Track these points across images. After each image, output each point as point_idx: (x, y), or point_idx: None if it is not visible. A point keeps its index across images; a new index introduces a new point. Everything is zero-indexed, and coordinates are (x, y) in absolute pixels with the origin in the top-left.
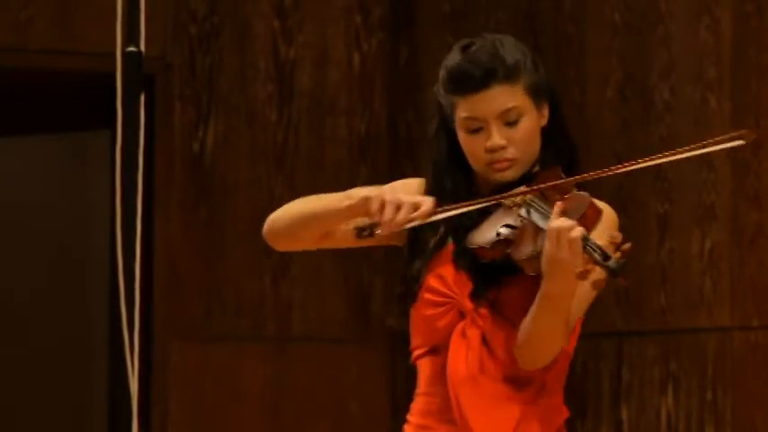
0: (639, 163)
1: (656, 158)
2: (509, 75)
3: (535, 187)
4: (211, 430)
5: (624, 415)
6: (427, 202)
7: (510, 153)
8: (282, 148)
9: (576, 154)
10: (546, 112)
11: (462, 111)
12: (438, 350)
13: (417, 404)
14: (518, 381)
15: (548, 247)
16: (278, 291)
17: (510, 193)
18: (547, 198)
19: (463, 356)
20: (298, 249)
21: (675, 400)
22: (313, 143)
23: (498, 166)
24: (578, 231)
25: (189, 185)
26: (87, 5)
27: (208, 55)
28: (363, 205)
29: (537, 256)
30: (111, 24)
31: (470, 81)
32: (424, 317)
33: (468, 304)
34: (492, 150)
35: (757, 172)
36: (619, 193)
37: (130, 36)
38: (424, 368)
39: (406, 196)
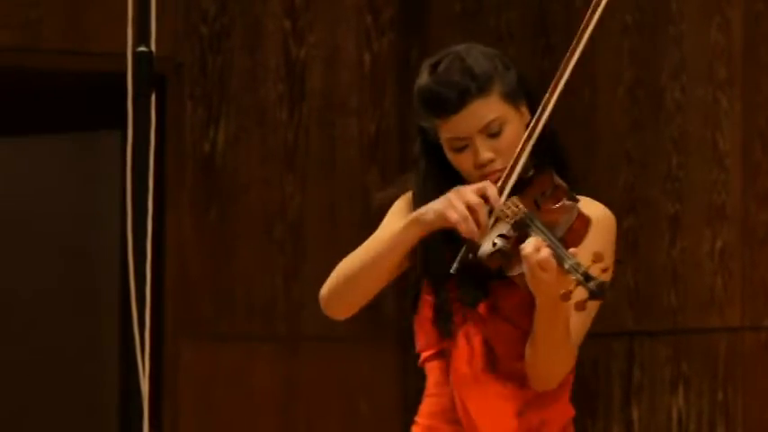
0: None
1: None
2: (482, 88)
3: (512, 198)
4: (222, 430)
5: (635, 415)
6: (488, 187)
7: (499, 164)
8: (293, 147)
9: (560, 144)
10: (525, 109)
11: (445, 132)
12: (444, 352)
13: (425, 405)
14: (520, 379)
15: (525, 269)
16: (289, 290)
17: (504, 204)
18: (539, 207)
19: (466, 357)
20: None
21: (686, 400)
22: (324, 143)
23: (491, 178)
24: (546, 253)
25: (200, 185)
26: (98, 5)
27: (219, 55)
28: (440, 219)
29: (524, 274)
30: (122, 24)
31: (446, 104)
32: (427, 318)
33: (468, 307)
34: (481, 166)
35: None
36: (629, 194)
37: (141, 36)
38: (432, 370)
39: (468, 196)
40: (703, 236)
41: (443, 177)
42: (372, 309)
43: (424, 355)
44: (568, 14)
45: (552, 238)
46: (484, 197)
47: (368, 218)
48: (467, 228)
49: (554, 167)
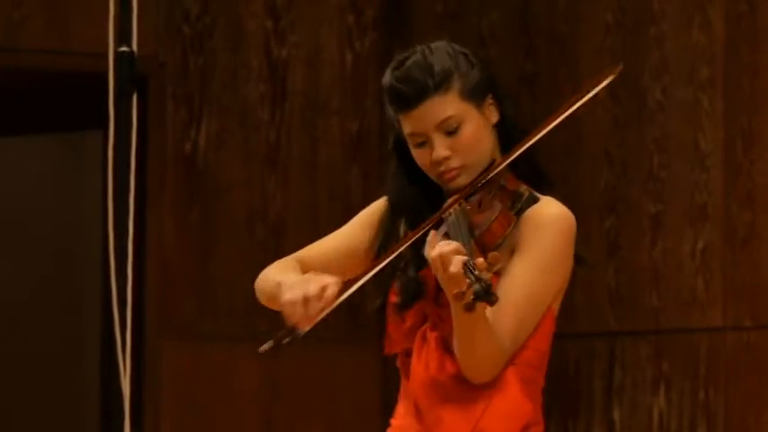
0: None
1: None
2: (439, 85)
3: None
4: (204, 430)
5: (616, 415)
6: (331, 286)
7: (456, 162)
8: (275, 147)
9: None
10: (493, 108)
11: (405, 127)
12: (408, 351)
13: (398, 406)
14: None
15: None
16: None
17: (443, 208)
18: (480, 206)
19: (423, 358)
20: None
21: (668, 400)
22: (305, 143)
23: (447, 176)
24: (434, 252)
25: (181, 185)
26: (80, 5)
27: (200, 55)
28: (283, 307)
29: None
30: (104, 24)
31: (404, 99)
32: (391, 319)
33: (429, 307)
34: (436, 163)
35: (749, 172)
36: (611, 194)
37: (123, 36)
38: (402, 371)
39: (310, 286)
40: (685, 236)
41: (413, 173)
42: (354, 310)
43: (399, 356)
44: (551, 16)
45: (463, 237)
46: (320, 295)
47: (349, 217)
48: (291, 312)
49: (523, 167)
